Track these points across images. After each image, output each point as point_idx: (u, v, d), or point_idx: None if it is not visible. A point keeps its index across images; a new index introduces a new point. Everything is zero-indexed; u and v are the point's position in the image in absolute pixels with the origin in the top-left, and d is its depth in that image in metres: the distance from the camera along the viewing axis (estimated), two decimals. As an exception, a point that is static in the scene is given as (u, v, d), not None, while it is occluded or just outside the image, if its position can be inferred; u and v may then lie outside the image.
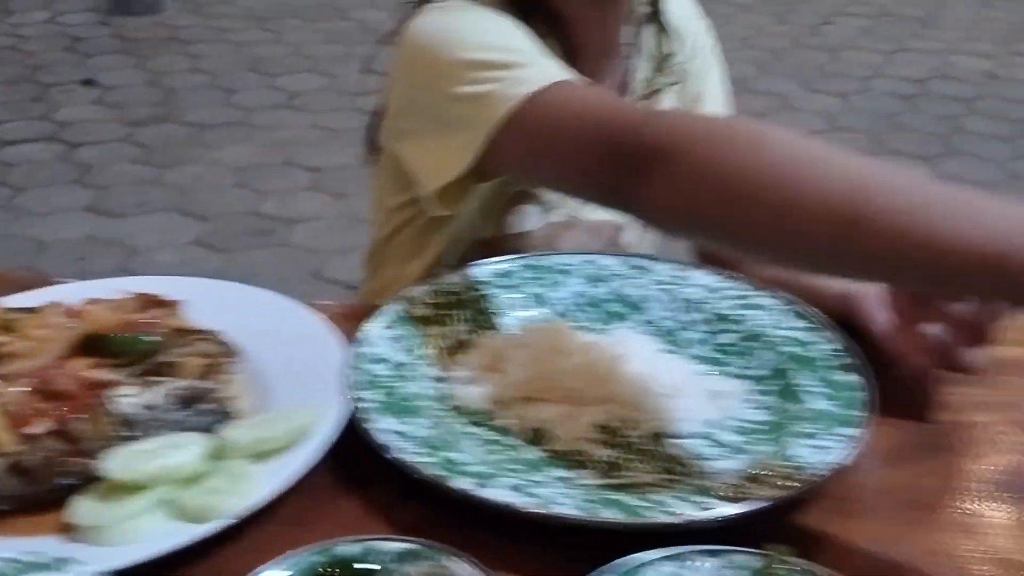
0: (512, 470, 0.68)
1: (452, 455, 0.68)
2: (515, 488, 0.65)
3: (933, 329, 0.73)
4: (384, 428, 0.69)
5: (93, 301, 0.78)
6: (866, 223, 0.59)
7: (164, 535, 0.61)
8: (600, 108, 0.75)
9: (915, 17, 5.45)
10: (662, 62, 1.04)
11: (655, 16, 1.03)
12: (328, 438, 0.68)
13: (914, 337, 0.74)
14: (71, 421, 0.66)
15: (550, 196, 0.97)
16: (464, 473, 0.66)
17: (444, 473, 0.65)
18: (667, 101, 1.05)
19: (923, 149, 3.86)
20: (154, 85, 4.20)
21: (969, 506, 0.69)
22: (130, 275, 0.86)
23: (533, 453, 0.71)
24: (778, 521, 0.66)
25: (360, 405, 0.71)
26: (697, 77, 1.09)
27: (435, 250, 0.99)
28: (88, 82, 4.30)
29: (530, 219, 0.98)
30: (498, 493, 0.64)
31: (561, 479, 0.68)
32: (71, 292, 0.83)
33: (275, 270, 2.80)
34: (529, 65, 0.81)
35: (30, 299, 0.80)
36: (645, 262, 0.92)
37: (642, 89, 1.04)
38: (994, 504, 0.69)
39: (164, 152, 3.54)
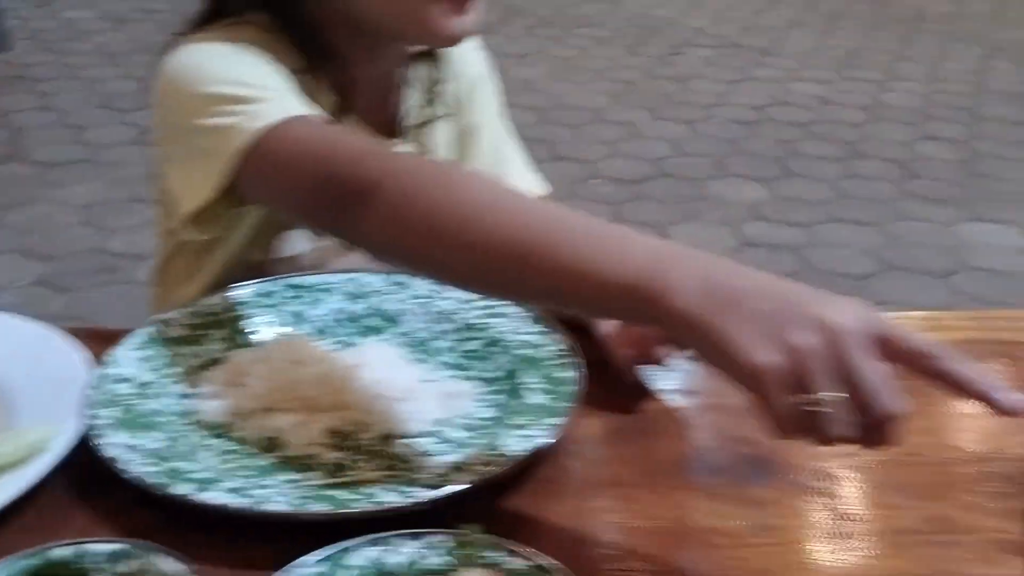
0: (240, 476, 0.72)
1: (179, 464, 0.72)
2: (235, 491, 0.69)
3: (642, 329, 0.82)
4: (116, 443, 0.73)
5: None
6: (535, 259, 0.66)
7: None
8: (325, 144, 0.80)
9: (758, 47, 5.72)
10: (432, 93, 1.10)
11: (427, 49, 1.09)
12: (60, 453, 0.72)
13: (624, 336, 0.83)
14: None
15: None
16: (187, 480, 0.70)
17: (166, 481, 0.69)
18: (440, 133, 1.11)
19: (762, 172, 4.06)
20: (0, 124, 4.10)
21: (665, 482, 0.76)
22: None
23: (265, 460, 0.75)
24: (486, 505, 0.72)
25: (95, 422, 0.74)
26: (472, 107, 1.15)
27: (209, 274, 1.02)
28: (-71, 121, 4.17)
29: (299, 243, 1.02)
30: (215, 496, 0.68)
31: (288, 482, 0.73)
32: None
33: (122, 308, 2.77)
34: (269, 100, 0.85)
35: None
36: (404, 278, 0.97)
37: (413, 121, 1.09)
38: (689, 479, 0.77)
39: (8, 192, 3.46)
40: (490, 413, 0.81)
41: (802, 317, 0.58)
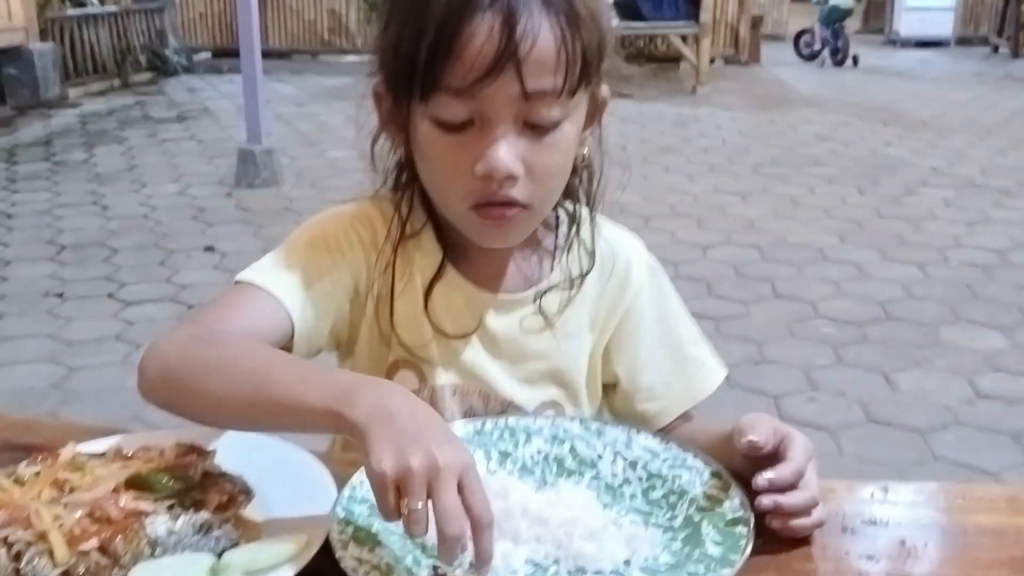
0: (446, 594, 0.85)
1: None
2: (443, 607, 0.81)
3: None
4: (350, 555, 0.87)
5: (144, 448, 1.00)
6: (263, 398, 0.91)
7: (169, 632, 0.80)
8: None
9: (999, 188, 5.53)
10: (570, 274, 1.20)
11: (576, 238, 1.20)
12: (306, 559, 0.87)
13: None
14: (113, 540, 0.87)
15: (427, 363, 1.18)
16: (403, 593, 0.83)
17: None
18: (554, 300, 1.19)
19: (1000, 319, 3.89)
20: (268, 250, 4.60)
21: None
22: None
23: (467, 581, 0.88)
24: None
25: (337, 536, 0.89)
26: (621, 299, 1.22)
27: None
28: (209, 248, 4.74)
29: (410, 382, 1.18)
30: (427, 610, 0.80)
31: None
32: (133, 439, 1.05)
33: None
34: (263, 262, 1.13)
35: (100, 444, 1.03)
36: (600, 426, 1.09)
37: (538, 285, 1.19)
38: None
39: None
40: (668, 559, 0.90)
41: (422, 446, 0.78)
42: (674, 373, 1.24)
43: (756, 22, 13.18)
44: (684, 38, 10.74)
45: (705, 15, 10.34)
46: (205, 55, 13.03)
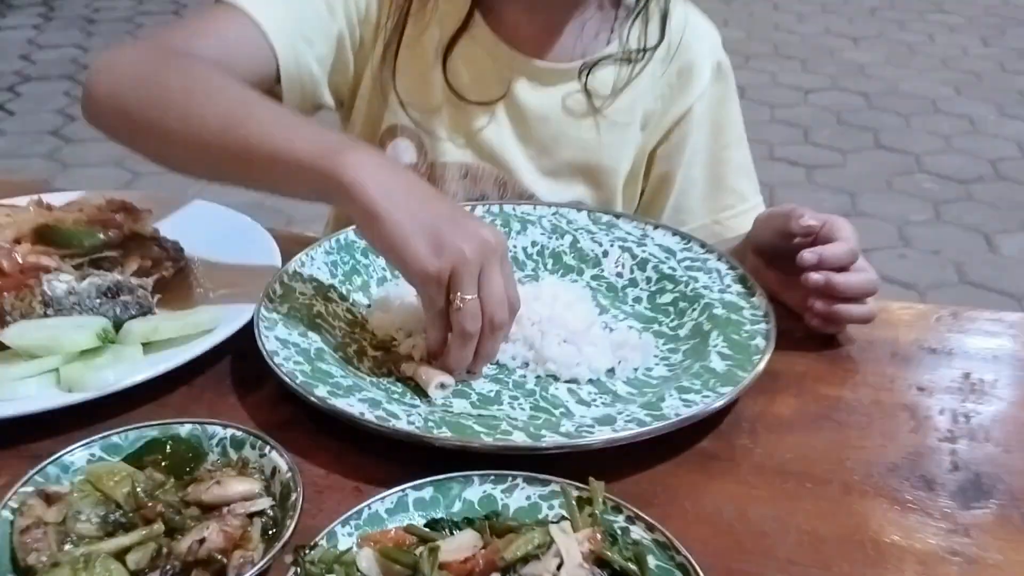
0: (381, 390, 0.70)
1: (329, 368, 0.70)
2: (372, 403, 0.66)
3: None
4: (277, 336, 0.72)
5: (69, 202, 0.86)
6: (235, 141, 0.74)
7: (43, 398, 0.67)
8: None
9: None
10: (628, 46, 0.99)
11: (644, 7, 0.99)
12: (222, 337, 0.72)
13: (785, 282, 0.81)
14: (0, 295, 0.73)
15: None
16: (330, 384, 0.68)
17: (310, 381, 0.67)
18: (607, 75, 0.99)
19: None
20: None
21: (852, 483, 0.64)
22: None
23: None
24: (630, 469, 0.64)
25: (265, 314, 0.74)
26: (683, 95, 1.02)
27: None
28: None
29: (405, 154, 0.99)
30: (350, 404, 0.65)
31: (429, 405, 0.69)
32: (67, 196, 0.91)
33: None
34: None
35: (23, 199, 0.89)
36: (612, 219, 0.90)
37: (580, 52, 0.99)
38: (883, 485, 0.64)
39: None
40: (662, 372, 0.73)
41: (462, 230, 0.68)
42: (706, 200, 1.04)
43: None
44: None
45: None
46: None
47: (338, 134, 0.76)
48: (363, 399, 0.66)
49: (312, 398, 0.65)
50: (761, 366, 0.69)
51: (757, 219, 0.86)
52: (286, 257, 0.83)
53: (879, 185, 3.49)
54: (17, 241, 0.79)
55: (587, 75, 0.97)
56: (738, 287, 0.80)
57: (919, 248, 3.13)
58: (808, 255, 0.75)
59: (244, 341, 0.73)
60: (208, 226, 0.89)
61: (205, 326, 0.73)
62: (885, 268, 2.94)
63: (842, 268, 0.76)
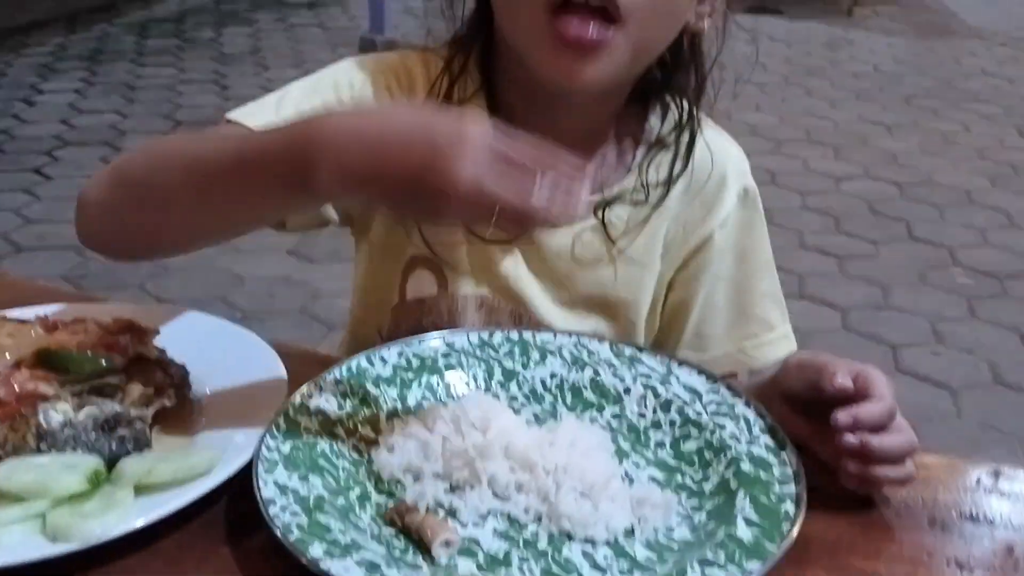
0: (382, 545, 0.65)
1: (326, 520, 0.66)
2: (367, 566, 0.62)
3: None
4: (275, 481, 0.68)
5: (75, 320, 0.83)
6: (209, 168, 0.74)
7: (26, 548, 0.63)
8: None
9: None
10: (646, 180, 0.96)
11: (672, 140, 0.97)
12: (218, 481, 0.69)
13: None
14: (-6, 426, 0.70)
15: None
16: (326, 541, 0.63)
17: (304, 537, 0.63)
18: (622, 212, 0.97)
19: None
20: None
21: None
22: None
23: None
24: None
25: (264, 454, 0.70)
26: (707, 218, 0.99)
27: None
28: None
29: (426, 285, 0.98)
30: (345, 567, 0.61)
31: (434, 564, 0.65)
32: (76, 309, 0.89)
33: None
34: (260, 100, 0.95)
35: (29, 312, 0.86)
36: (636, 352, 0.86)
37: (606, 184, 0.96)
38: None
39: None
40: (684, 534, 0.69)
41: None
42: (730, 328, 1.00)
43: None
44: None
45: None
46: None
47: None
48: (360, 561, 0.62)
49: (304, 560, 0.61)
50: (791, 537, 0.64)
51: (787, 364, 0.81)
52: (293, 376, 0.80)
53: (912, 278, 3.43)
54: (17, 365, 0.76)
55: (603, 211, 0.95)
56: (767, 439, 0.75)
57: (952, 345, 3.07)
58: (843, 417, 0.71)
59: (243, 478, 0.69)
60: (212, 342, 0.87)
61: (202, 469, 0.69)
62: (918, 365, 2.87)
63: (878, 428, 0.71)
